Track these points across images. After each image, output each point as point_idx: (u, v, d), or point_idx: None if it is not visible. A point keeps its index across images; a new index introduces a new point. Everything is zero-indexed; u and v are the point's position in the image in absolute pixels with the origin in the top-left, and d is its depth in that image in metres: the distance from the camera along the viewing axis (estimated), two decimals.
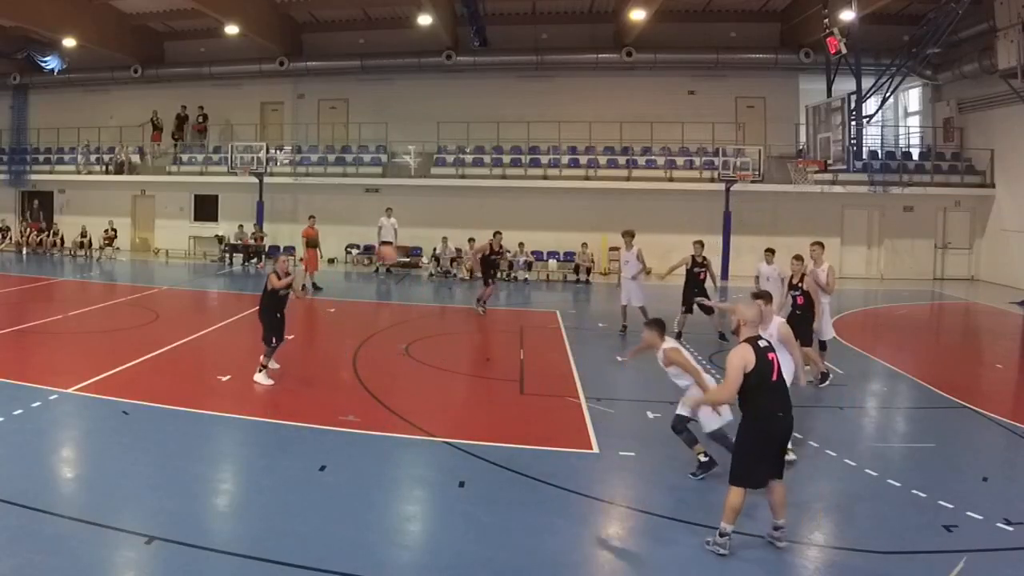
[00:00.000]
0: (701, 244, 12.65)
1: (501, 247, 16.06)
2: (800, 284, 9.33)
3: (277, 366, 9.64)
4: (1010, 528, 5.49)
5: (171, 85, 26.71)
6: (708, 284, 12.38)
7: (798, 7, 22.35)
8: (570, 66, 24.45)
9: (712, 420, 6.24)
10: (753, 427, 5.00)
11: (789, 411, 5.09)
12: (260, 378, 9.21)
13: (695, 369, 6.44)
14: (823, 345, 9.94)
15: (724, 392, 5.03)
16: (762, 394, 4.97)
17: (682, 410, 6.49)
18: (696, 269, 12.35)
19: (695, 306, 12.12)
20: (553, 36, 24.43)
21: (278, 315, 9.42)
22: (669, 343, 6.59)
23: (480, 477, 6.42)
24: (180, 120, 26.80)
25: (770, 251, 11.86)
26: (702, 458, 6.42)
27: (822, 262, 9.80)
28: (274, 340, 9.32)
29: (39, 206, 26.62)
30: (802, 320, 9.04)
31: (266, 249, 23.19)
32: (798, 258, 9.62)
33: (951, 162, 22.41)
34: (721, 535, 5.08)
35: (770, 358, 5.05)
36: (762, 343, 5.12)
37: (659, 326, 6.66)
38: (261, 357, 9.25)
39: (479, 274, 15.91)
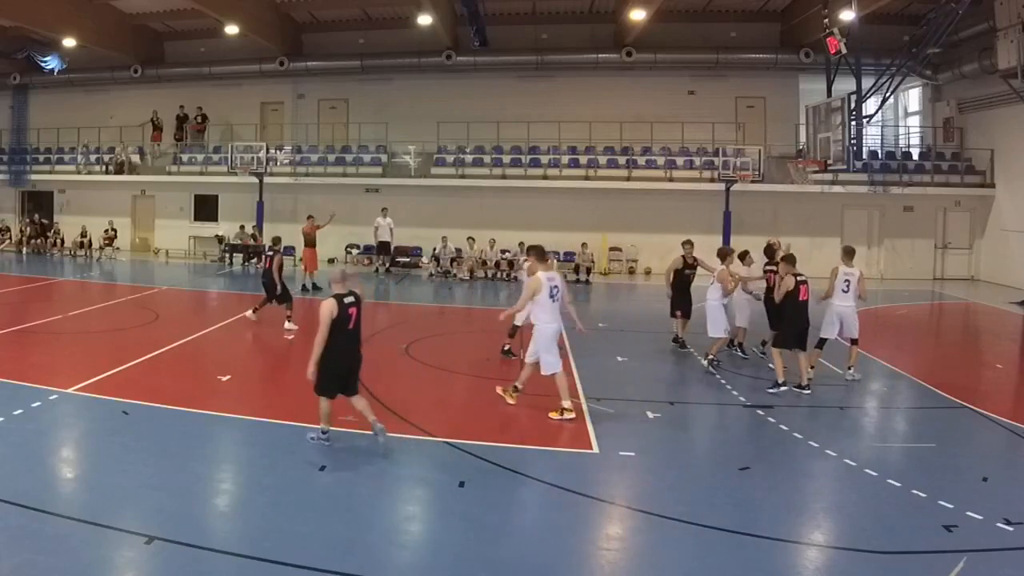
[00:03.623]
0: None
1: (695, 259, 11.75)
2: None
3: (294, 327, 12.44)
4: (1010, 528, 5.49)
5: (171, 85, 26.72)
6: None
7: (798, 7, 22.34)
8: (570, 66, 24.44)
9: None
10: (329, 357, 6.64)
11: (357, 351, 6.93)
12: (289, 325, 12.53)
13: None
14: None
15: (318, 335, 6.63)
16: (338, 336, 6.67)
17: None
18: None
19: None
20: (553, 36, 24.44)
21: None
22: None
23: (480, 477, 6.41)
24: (180, 120, 26.80)
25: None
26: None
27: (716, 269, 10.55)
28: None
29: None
30: None
31: (265, 249, 23.16)
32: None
33: (951, 162, 22.42)
34: (323, 432, 6.92)
35: (350, 312, 6.75)
36: (346, 300, 6.74)
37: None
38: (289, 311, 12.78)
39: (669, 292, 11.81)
